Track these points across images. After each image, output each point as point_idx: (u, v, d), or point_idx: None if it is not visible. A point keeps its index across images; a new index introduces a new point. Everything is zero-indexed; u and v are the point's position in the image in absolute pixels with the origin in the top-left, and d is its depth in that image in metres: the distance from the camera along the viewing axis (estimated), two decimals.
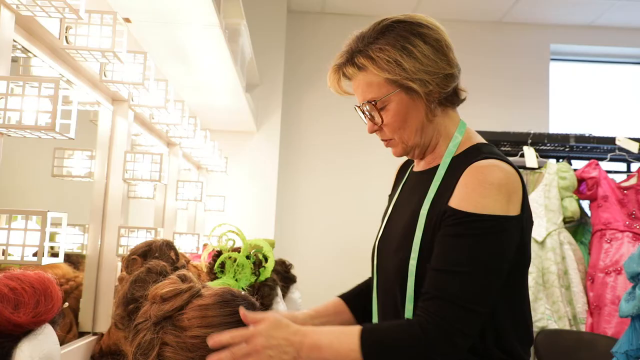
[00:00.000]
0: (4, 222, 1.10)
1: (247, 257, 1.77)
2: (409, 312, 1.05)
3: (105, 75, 1.54)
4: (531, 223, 1.09)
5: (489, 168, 1.01)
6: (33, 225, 1.09)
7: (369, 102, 1.09)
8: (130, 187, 1.86)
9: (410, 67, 1.04)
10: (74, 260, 1.69)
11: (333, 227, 3.79)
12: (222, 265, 1.73)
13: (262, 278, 1.84)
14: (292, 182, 3.87)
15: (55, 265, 1.48)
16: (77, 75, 1.52)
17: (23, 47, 1.27)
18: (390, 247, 1.15)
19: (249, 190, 3.60)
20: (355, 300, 1.29)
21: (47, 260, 1.10)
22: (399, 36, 1.06)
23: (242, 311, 0.94)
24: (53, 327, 0.89)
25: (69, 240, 1.69)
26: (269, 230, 3.56)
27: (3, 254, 1.08)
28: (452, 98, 1.12)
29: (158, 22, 1.91)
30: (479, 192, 0.99)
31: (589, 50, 4.11)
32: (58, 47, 1.36)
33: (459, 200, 1.00)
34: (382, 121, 1.10)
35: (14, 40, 1.21)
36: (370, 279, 1.29)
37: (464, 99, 1.15)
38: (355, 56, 1.09)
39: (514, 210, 1.00)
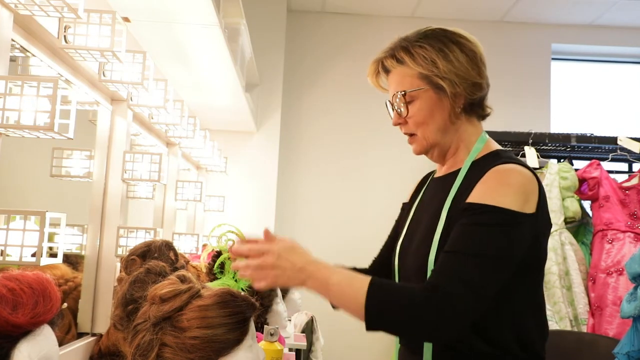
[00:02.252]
0: (2, 223, 1.09)
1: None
2: None
3: (104, 75, 1.54)
4: (548, 225, 1.13)
5: (510, 171, 1.07)
6: (32, 225, 1.08)
7: (399, 92, 1.17)
8: (129, 187, 1.85)
9: (443, 67, 1.12)
10: (72, 260, 1.68)
11: (333, 227, 3.79)
12: (222, 265, 1.73)
13: None
14: (292, 182, 3.87)
15: (54, 266, 1.48)
16: (75, 74, 1.51)
17: (21, 46, 1.27)
18: (412, 248, 1.19)
19: (248, 190, 3.59)
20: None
21: (45, 260, 1.09)
22: (438, 40, 1.15)
23: (265, 229, 1.03)
24: (52, 327, 0.88)
25: (68, 241, 1.68)
26: None
27: (1, 255, 1.08)
28: (477, 109, 1.20)
29: (157, 22, 1.90)
30: (497, 191, 1.05)
31: (590, 49, 4.10)
32: (57, 47, 1.35)
33: (477, 196, 1.06)
34: (408, 113, 1.18)
35: (13, 40, 1.20)
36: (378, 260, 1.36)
37: (488, 114, 1.24)
38: (397, 50, 1.18)
39: (529, 209, 1.05)
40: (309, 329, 2.87)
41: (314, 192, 3.85)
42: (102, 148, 1.72)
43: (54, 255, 1.14)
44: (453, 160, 1.21)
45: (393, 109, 1.21)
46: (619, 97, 4.15)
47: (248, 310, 0.97)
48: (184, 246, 2.37)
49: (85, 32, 1.35)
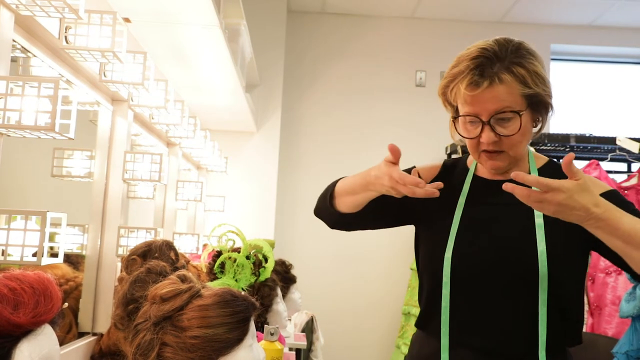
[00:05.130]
0: (3, 222, 1.10)
1: (247, 258, 1.77)
2: (543, 316, 1.10)
3: (104, 75, 1.54)
4: None
5: (593, 178, 1.21)
6: (32, 225, 1.09)
7: (512, 111, 1.10)
8: (130, 187, 1.85)
9: (549, 85, 1.13)
10: (73, 260, 1.68)
11: None
12: (222, 265, 1.73)
13: (262, 278, 1.84)
14: (292, 182, 3.87)
15: (55, 266, 1.48)
16: (76, 75, 1.52)
17: (22, 47, 1.27)
18: (490, 253, 1.15)
19: (248, 190, 3.60)
20: None
21: (46, 260, 1.09)
22: (533, 56, 1.13)
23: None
24: (53, 327, 0.88)
25: (69, 241, 1.69)
26: (269, 230, 3.56)
27: (2, 254, 1.08)
28: None
29: (158, 22, 1.91)
30: (605, 186, 1.17)
31: (589, 50, 4.11)
32: (57, 47, 1.36)
33: (599, 191, 1.11)
34: (514, 133, 1.12)
35: (14, 40, 1.21)
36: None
37: None
38: (511, 65, 1.10)
39: None
40: (309, 329, 2.87)
41: (314, 192, 3.84)
42: (103, 148, 1.72)
43: (54, 255, 1.14)
44: (517, 168, 1.20)
45: (483, 126, 1.11)
46: (617, 97, 4.16)
47: (248, 310, 0.97)
48: (184, 246, 2.38)
49: (86, 33, 1.35)
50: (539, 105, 1.14)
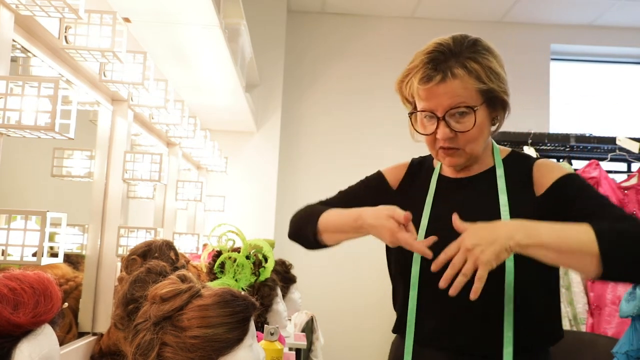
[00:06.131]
0: (3, 222, 1.10)
1: (247, 257, 1.77)
2: (509, 312, 1.09)
3: (104, 75, 1.54)
4: None
5: (552, 162, 1.20)
6: (32, 225, 1.09)
7: (467, 107, 1.10)
8: (129, 187, 1.86)
9: (505, 82, 1.14)
10: (73, 260, 1.68)
11: None
12: (222, 265, 1.73)
13: (262, 278, 1.84)
14: (292, 182, 3.87)
15: (55, 266, 1.48)
16: (76, 75, 1.52)
17: (22, 46, 1.27)
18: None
19: (248, 190, 3.60)
20: None
21: (46, 260, 1.09)
22: (492, 53, 1.14)
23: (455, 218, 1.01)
24: (53, 327, 0.88)
25: (69, 241, 1.69)
26: (268, 230, 3.56)
27: (2, 254, 1.08)
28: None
29: (158, 22, 1.91)
30: (562, 169, 1.15)
31: (590, 50, 4.11)
32: (57, 47, 1.36)
33: (556, 177, 1.12)
34: (469, 129, 1.11)
35: (14, 40, 1.21)
36: None
37: None
38: (465, 60, 1.10)
39: None
40: (309, 329, 2.87)
41: (314, 192, 3.84)
42: (103, 148, 1.72)
43: (54, 254, 1.14)
44: (478, 165, 1.22)
45: (438, 122, 1.12)
46: (618, 97, 4.16)
47: (248, 310, 0.97)
48: (184, 246, 2.38)
49: (86, 33, 1.35)
50: (495, 102, 1.14)
